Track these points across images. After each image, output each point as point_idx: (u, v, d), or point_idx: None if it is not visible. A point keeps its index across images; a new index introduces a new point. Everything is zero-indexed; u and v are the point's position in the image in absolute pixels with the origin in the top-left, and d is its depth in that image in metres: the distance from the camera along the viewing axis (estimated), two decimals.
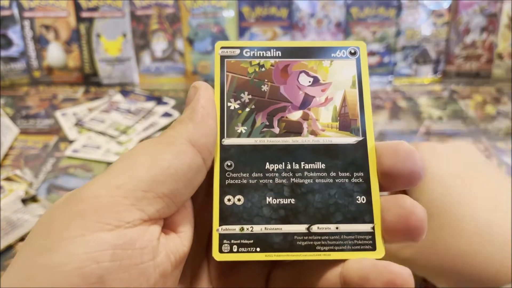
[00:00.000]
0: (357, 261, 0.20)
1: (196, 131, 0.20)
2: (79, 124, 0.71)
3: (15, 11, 0.81)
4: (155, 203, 0.18)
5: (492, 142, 0.67)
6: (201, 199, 0.22)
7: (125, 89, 0.82)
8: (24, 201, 0.50)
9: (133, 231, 0.18)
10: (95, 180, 0.19)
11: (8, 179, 0.52)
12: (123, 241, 0.17)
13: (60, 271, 0.16)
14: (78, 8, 0.80)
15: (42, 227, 0.18)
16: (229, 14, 0.80)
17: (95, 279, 0.16)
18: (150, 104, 0.76)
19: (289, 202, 0.21)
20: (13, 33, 0.82)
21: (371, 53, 0.82)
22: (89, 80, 0.84)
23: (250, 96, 0.23)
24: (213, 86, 0.23)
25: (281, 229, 0.21)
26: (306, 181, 0.21)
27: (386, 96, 0.80)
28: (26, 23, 0.81)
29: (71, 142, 0.67)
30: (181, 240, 0.20)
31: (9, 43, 0.82)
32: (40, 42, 0.82)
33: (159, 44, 0.83)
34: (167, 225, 0.20)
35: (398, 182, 0.21)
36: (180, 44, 0.82)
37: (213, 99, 0.21)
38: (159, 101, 0.77)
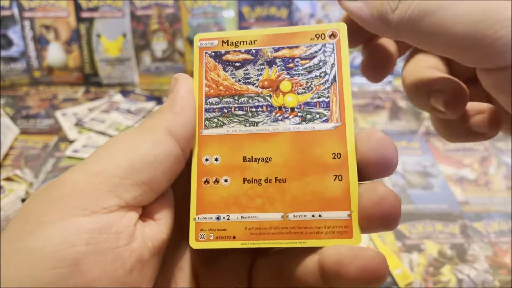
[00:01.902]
0: (333, 247, 0.20)
1: (174, 120, 0.20)
2: (79, 124, 0.71)
3: (15, 11, 0.81)
4: (132, 190, 0.19)
5: (492, 142, 0.67)
6: (182, 189, 0.22)
7: (125, 89, 0.82)
8: (24, 201, 0.50)
9: (109, 217, 0.18)
10: (75, 167, 0.19)
11: (8, 179, 0.52)
12: (99, 225, 0.17)
13: (36, 255, 0.16)
14: (78, 8, 0.81)
15: (21, 214, 0.18)
16: (229, 14, 0.81)
17: (70, 261, 0.16)
18: (150, 104, 0.76)
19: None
20: (13, 33, 0.82)
21: None
22: (89, 80, 0.84)
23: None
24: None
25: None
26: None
27: (386, 96, 0.80)
28: (26, 23, 0.81)
29: (71, 142, 0.68)
30: (159, 227, 0.20)
31: (9, 43, 0.82)
32: (40, 42, 0.82)
33: (159, 44, 0.83)
34: (146, 213, 0.20)
35: (372, 169, 0.21)
36: (180, 44, 0.82)
37: (193, 90, 0.22)
38: (159, 101, 0.77)
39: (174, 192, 0.22)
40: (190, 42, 0.82)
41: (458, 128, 0.26)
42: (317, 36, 0.23)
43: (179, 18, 0.81)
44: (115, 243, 0.18)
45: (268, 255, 0.23)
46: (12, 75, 0.83)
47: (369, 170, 0.21)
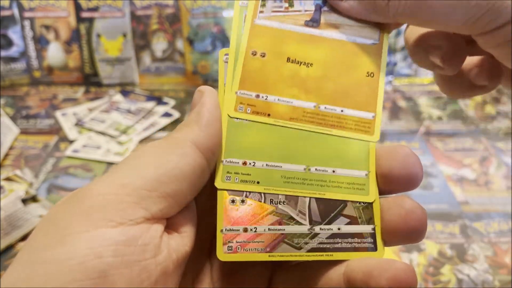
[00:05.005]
0: (360, 260, 0.20)
1: (201, 133, 0.20)
2: (79, 124, 0.71)
3: (15, 11, 0.81)
4: (158, 203, 0.19)
5: (492, 142, 0.67)
6: (204, 202, 0.22)
7: (125, 89, 0.82)
8: (24, 201, 0.50)
9: (136, 229, 0.18)
10: (101, 178, 0.19)
11: (8, 179, 0.52)
12: (125, 237, 0.17)
13: (64, 266, 0.16)
14: (78, 8, 0.81)
15: (46, 224, 0.18)
16: (229, 14, 0.80)
17: (97, 273, 0.16)
18: (150, 104, 0.76)
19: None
20: (13, 33, 0.82)
21: None
22: (89, 80, 0.84)
23: None
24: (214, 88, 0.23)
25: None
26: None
27: (386, 96, 0.80)
28: (26, 23, 0.81)
29: (71, 142, 0.68)
30: (183, 239, 0.20)
31: (9, 43, 0.82)
32: (40, 42, 0.82)
33: (159, 44, 0.83)
34: (170, 225, 0.20)
35: (397, 184, 0.21)
36: (180, 44, 0.82)
37: (218, 103, 0.22)
38: (159, 101, 0.77)
39: (195, 204, 0.22)
40: (190, 42, 0.82)
41: (459, 83, 0.26)
42: None
43: (179, 18, 0.81)
44: (142, 255, 0.18)
45: (288, 268, 0.23)
46: (12, 75, 0.83)
47: (395, 184, 0.21)
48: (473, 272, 0.47)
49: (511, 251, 0.49)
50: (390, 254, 0.48)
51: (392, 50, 0.82)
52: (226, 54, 0.23)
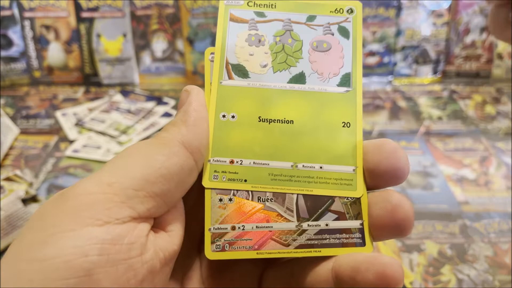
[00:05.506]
0: (348, 255, 0.20)
1: (188, 133, 0.20)
2: (79, 124, 0.71)
3: (15, 11, 0.81)
4: (145, 202, 0.19)
5: (491, 142, 0.67)
6: (192, 200, 0.22)
7: (125, 89, 0.82)
8: (24, 201, 0.50)
9: (122, 227, 0.18)
10: (88, 178, 0.19)
11: (8, 179, 0.52)
12: (111, 236, 0.17)
13: (49, 264, 0.16)
14: (78, 8, 0.81)
15: (34, 223, 0.18)
16: None
17: (83, 272, 0.16)
18: (150, 104, 0.76)
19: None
20: (13, 33, 0.82)
21: (371, 53, 0.82)
22: (89, 80, 0.84)
23: None
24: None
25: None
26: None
27: (386, 96, 0.80)
28: (27, 23, 0.81)
29: (71, 142, 0.68)
30: (171, 238, 0.20)
31: (9, 43, 0.82)
32: (40, 42, 0.82)
33: (159, 44, 0.83)
34: (158, 224, 0.20)
35: (383, 179, 0.21)
36: (180, 44, 0.82)
37: (205, 102, 0.22)
38: (159, 101, 0.77)
39: (184, 202, 0.22)
40: (190, 42, 0.82)
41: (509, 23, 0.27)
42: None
43: (179, 18, 0.81)
44: (127, 254, 0.18)
45: (278, 265, 0.23)
46: (12, 75, 0.83)
47: (381, 179, 0.21)
48: (473, 272, 0.47)
49: (511, 251, 0.49)
50: (389, 253, 0.48)
51: (392, 50, 0.83)
52: (212, 53, 0.23)
